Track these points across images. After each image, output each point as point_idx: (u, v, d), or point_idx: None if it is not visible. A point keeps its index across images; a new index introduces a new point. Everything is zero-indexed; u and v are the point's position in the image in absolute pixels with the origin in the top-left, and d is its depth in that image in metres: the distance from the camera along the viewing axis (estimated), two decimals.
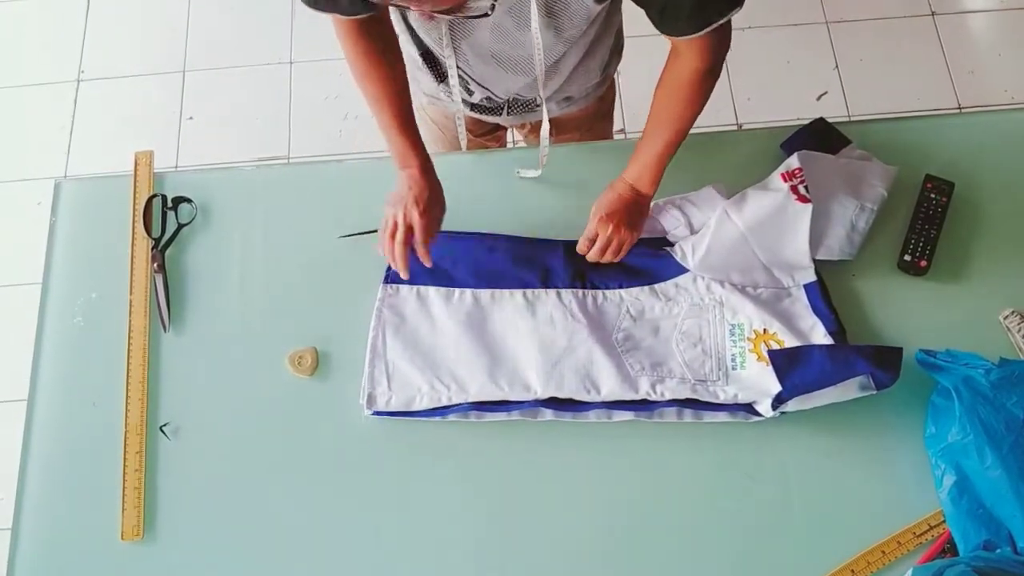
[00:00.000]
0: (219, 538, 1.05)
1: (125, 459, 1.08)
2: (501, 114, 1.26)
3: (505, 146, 1.53)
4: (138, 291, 1.18)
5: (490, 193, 1.24)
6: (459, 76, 1.13)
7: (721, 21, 0.94)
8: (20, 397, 1.13)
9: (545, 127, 1.18)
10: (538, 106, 1.18)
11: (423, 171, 1.10)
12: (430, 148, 1.14)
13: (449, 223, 1.18)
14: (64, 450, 1.10)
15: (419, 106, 1.26)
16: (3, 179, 2.26)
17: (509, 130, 1.51)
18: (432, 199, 1.09)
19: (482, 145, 1.48)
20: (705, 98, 1.07)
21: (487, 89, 1.16)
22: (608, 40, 1.18)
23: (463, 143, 1.33)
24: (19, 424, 1.11)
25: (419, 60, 1.18)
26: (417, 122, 1.13)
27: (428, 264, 1.09)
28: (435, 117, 1.39)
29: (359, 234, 1.19)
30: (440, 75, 1.19)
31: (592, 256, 1.13)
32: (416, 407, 1.08)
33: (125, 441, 1.09)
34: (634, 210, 1.12)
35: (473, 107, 1.25)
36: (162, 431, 1.10)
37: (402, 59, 1.11)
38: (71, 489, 1.08)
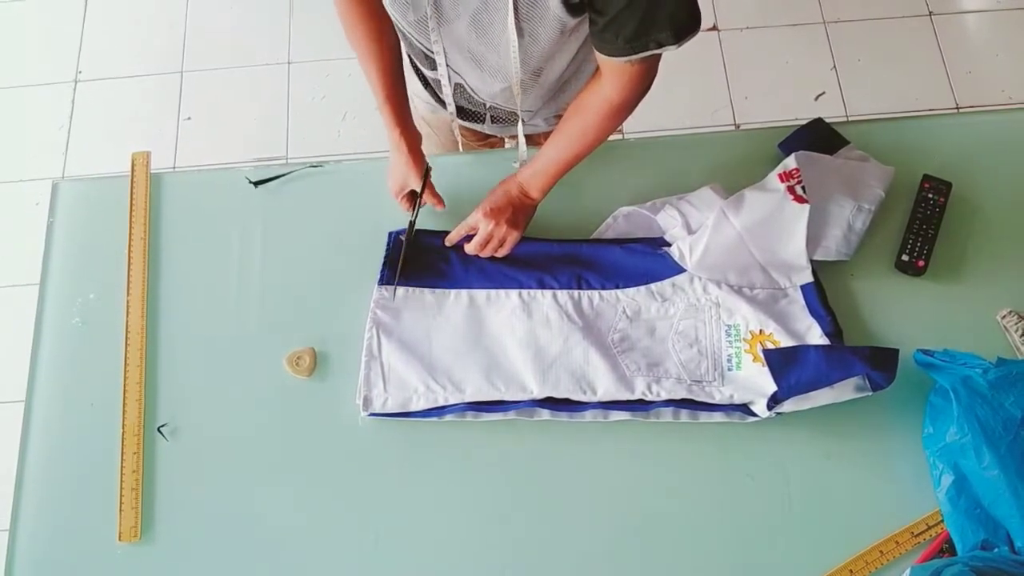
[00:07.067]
0: (217, 539, 1.05)
1: (123, 460, 1.08)
2: (484, 122, 1.26)
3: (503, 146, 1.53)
4: (135, 291, 1.18)
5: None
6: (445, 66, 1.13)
7: (656, 51, 0.93)
8: (18, 398, 1.13)
9: (522, 143, 1.20)
10: (524, 121, 1.18)
11: (400, 144, 1.15)
12: (424, 148, 1.17)
13: (447, 223, 1.18)
14: (62, 451, 1.10)
15: (413, 107, 1.26)
16: (1, 180, 2.26)
17: (505, 140, 1.51)
18: (409, 172, 1.15)
19: (476, 150, 1.48)
20: (610, 131, 1.09)
21: (460, 76, 1.15)
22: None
23: (459, 143, 1.33)
24: (17, 425, 1.11)
25: (408, 60, 1.18)
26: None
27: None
28: (428, 119, 1.39)
29: (272, 179, 1.23)
30: (423, 77, 1.19)
31: (470, 249, 1.14)
32: (413, 408, 1.08)
33: (123, 442, 1.09)
34: (519, 210, 1.14)
35: (458, 111, 1.24)
36: (160, 432, 1.10)
37: (394, 31, 1.11)
38: (69, 490, 1.08)
